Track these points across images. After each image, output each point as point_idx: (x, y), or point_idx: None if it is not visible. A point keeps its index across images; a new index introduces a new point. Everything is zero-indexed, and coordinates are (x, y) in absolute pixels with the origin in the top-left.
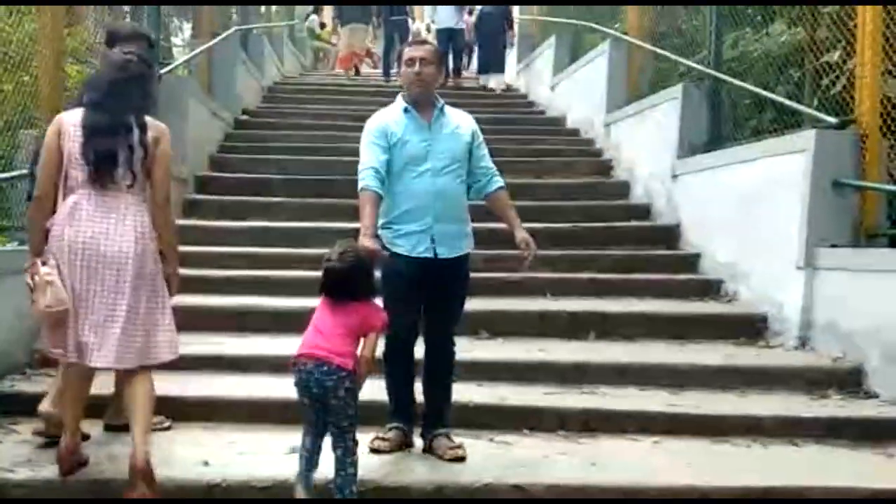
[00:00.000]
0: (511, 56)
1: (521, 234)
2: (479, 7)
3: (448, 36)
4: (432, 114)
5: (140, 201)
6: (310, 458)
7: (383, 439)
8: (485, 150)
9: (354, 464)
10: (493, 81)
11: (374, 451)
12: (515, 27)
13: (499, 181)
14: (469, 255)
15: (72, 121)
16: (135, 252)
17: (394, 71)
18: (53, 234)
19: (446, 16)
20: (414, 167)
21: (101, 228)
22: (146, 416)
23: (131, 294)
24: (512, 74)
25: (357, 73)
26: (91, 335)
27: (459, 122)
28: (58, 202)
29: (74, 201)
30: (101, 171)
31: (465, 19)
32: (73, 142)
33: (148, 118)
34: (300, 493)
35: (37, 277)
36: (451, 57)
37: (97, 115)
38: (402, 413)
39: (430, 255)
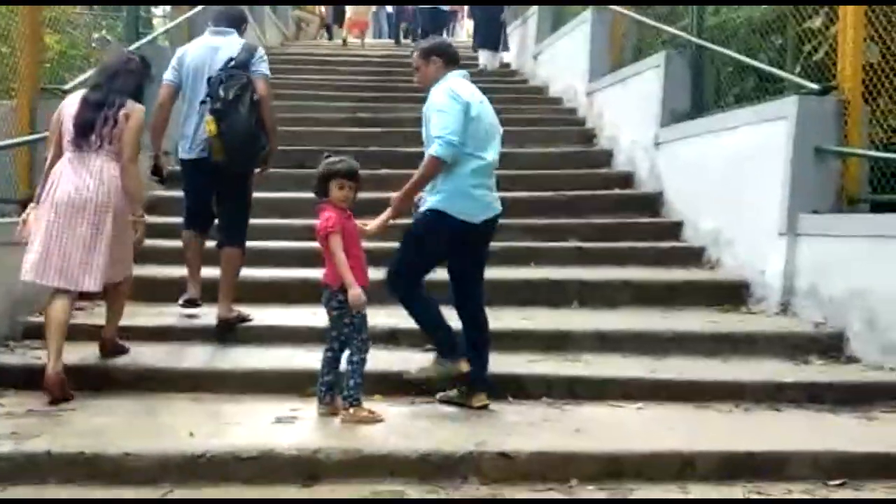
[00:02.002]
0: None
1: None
2: None
3: (431, 18)
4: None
5: (111, 160)
6: (321, 374)
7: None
8: (433, 120)
9: (357, 362)
10: (484, 57)
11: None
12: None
13: (430, 149)
14: (427, 212)
15: (68, 103)
16: (104, 200)
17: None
18: (45, 188)
19: None
20: None
21: (77, 182)
22: (119, 314)
23: (94, 237)
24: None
25: (355, 40)
26: (67, 264)
27: (428, 102)
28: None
29: (61, 164)
30: (79, 136)
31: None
32: (66, 119)
33: (129, 101)
34: (319, 407)
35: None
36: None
37: (93, 93)
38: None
39: None
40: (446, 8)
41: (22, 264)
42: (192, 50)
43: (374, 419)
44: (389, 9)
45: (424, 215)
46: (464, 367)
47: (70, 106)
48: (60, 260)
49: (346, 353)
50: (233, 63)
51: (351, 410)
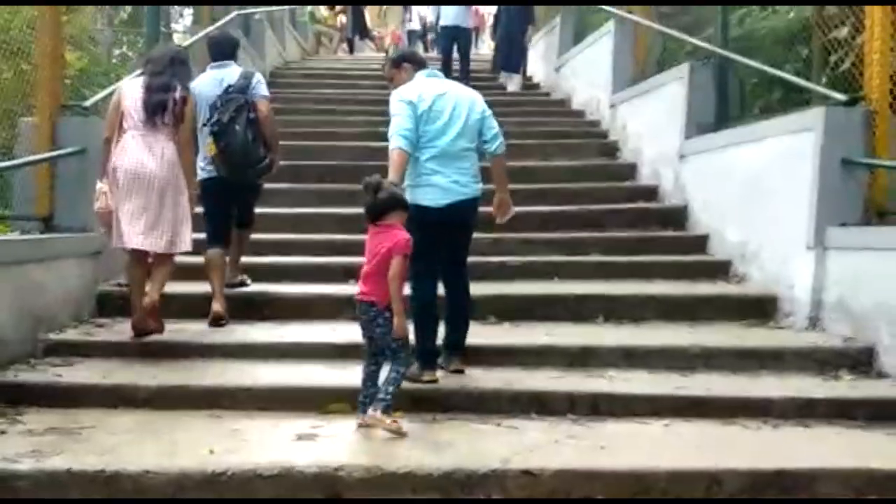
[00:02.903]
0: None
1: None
2: None
3: (453, 35)
4: None
5: (170, 139)
6: (363, 384)
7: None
8: (391, 124)
9: (398, 373)
10: (511, 84)
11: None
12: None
13: (390, 145)
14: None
15: (129, 87)
16: (163, 172)
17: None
18: (111, 162)
19: (453, 12)
20: None
21: (141, 156)
22: (162, 281)
23: (160, 201)
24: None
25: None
26: (141, 228)
27: None
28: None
29: (126, 140)
30: (154, 115)
31: (479, 14)
32: (130, 100)
33: (179, 84)
34: (361, 417)
35: (98, 188)
36: (455, 58)
37: (157, 79)
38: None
39: None
40: (469, 25)
41: (114, 232)
42: (200, 84)
43: (398, 430)
44: (415, 25)
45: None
46: (427, 377)
47: (131, 90)
48: (136, 222)
49: (387, 365)
50: (231, 89)
51: (379, 414)
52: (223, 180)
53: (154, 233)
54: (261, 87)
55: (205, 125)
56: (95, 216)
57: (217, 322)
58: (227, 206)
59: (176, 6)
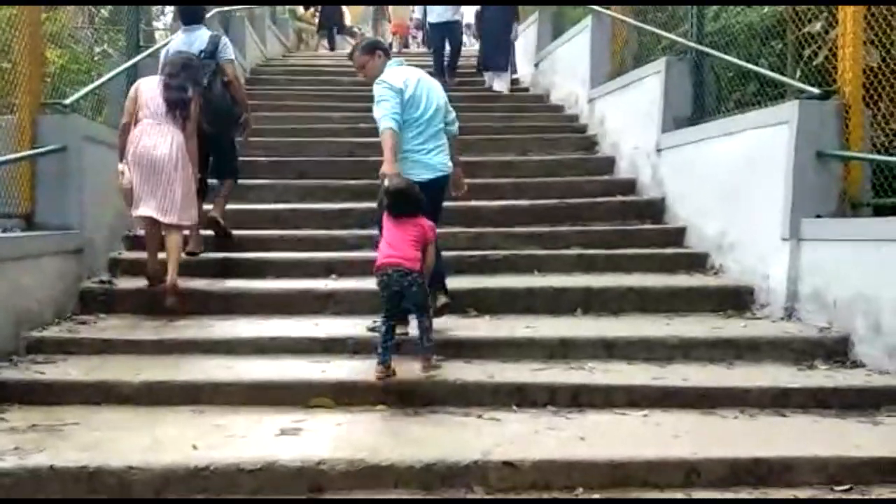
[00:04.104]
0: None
1: (381, 171)
2: None
3: (442, 32)
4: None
5: (178, 130)
6: (385, 340)
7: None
8: (375, 108)
9: (430, 320)
10: (498, 83)
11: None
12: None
13: (379, 127)
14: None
15: (147, 83)
16: (173, 157)
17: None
18: (129, 147)
19: (440, 10)
20: None
21: (156, 142)
22: (177, 257)
23: (169, 180)
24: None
25: (406, 45)
26: (151, 201)
27: None
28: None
29: (141, 128)
30: (172, 109)
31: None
32: (147, 94)
33: (191, 87)
34: (379, 371)
35: (119, 168)
36: (445, 53)
37: (173, 80)
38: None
39: None
40: (458, 18)
41: (133, 204)
42: (171, 45)
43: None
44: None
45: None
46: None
47: (148, 87)
48: (148, 198)
49: (414, 321)
50: (203, 55)
51: (433, 360)
52: (202, 133)
53: (163, 206)
54: (227, 50)
55: None
56: (121, 191)
57: (192, 255)
58: (204, 157)
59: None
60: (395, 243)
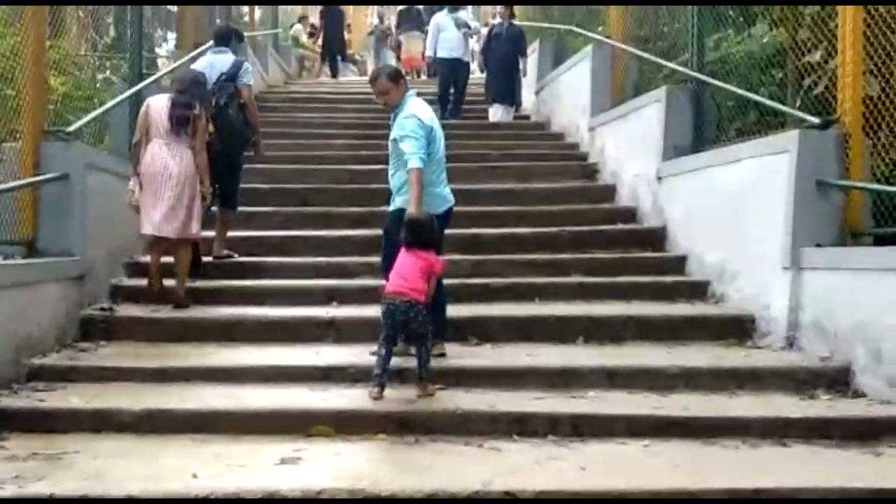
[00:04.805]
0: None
1: (409, 210)
2: (484, 31)
3: (451, 68)
4: (392, 117)
5: (187, 147)
6: (384, 363)
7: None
8: (404, 142)
9: (428, 350)
10: (502, 113)
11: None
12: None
13: (409, 164)
14: (392, 212)
15: (156, 101)
16: (183, 174)
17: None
18: (142, 164)
19: (451, 44)
20: None
21: (166, 160)
22: (185, 270)
23: (180, 197)
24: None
25: (418, 75)
26: (160, 218)
27: (396, 123)
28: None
29: (153, 146)
30: (178, 127)
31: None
32: (157, 113)
33: (198, 103)
34: (374, 391)
35: (130, 186)
36: (452, 93)
37: (181, 97)
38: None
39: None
40: (467, 58)
41: (141, 221)
42: (197, 66)
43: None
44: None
45: (393, 215)
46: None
47: (157, 106)
48: (156, 214)
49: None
50: (224, 77)
51: (429, 387)
52: (215, 150)
53: (172, 222)
54: (247, 75)
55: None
56: (129, 207)
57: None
58: (215, 173)
59: (158, 32)
60: (406, 273)
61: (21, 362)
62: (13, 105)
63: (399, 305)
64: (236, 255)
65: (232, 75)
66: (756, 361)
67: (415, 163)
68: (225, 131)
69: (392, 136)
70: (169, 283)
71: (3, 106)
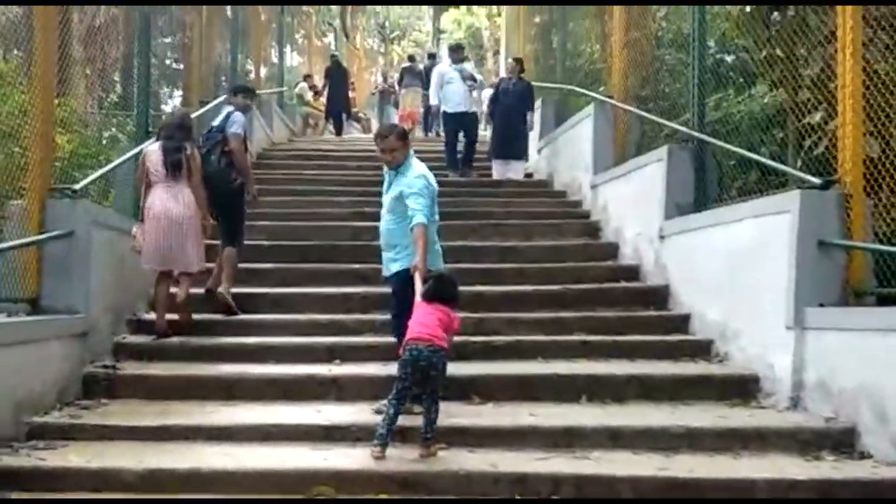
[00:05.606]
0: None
1: (413, 262)
2: (488, 88)
3: (459, 122)
4: (393, 175)
5: (185, 186)
6: (391, 422)
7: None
8: (412, 199)
9: (436, 411)
10: (513, 173)
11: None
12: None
13: (415, 220)
14: (399, 272)
15: (151, 149)
16: (185, 213)
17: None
18: (146, 208)
19: (457, 98)
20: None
21: (167, 203)
22: (185, 294)
23: (183, 235)
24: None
25: (411, 130)
26: (169, 255)
27: (403, 181)
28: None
29: (154, 191)
30: (173, 170)
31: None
32: (151, 161)
33: (188, 144)
34: (376, 451)
35: (133, 231)
36: (461, 147)
37: (170, 142)
38: None
39: (384, 273)
40: (474, 109)
41: (141, 259)
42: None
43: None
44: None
45: (406, 272)
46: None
47: (153, 154)
48: (164, 253)
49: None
50: (214, 128)
51: (433, 447)
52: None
53: (175, 257)
54: (234, 126)
55: None
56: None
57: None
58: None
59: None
60: (427, 322)
61: (21, 420)
62: (20, 162)
63: (423, 350)
64: (238, 313)
65: (221, 126)
66: (760, 422)
67: (421, 219)
68: (209, 178)
69: (394, 192)
70: (171, 317)
71: (10, 163)
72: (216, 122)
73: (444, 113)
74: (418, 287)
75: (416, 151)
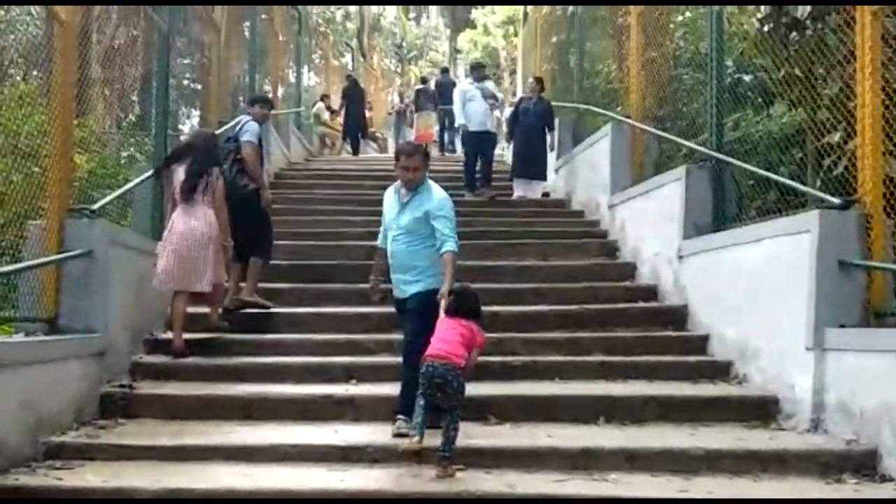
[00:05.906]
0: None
1: (442, 289)
2: (508, 107)
3: (479, 142)
4: (410, 195)
5: (208, 207)
6: (424, 412)
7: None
8: (441, 223)
9: (456, 430)
10: (532, 192)
11: None
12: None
13: (447, 247)
14: (421, 293)
15: (178, 169)
16: (207, 233)
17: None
18: (168, 229)
19: (479, 117)
20: (391, 233)
21: (189, 223)
22: (215, 310)
23: (205, 254)
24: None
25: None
26: (186, 274)
27: (424, 202)
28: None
29: (176, 212)
30: (189, 193)
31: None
32: (177, 180)
33: (216, 168)
34: (415, 440)
35: (157, 248)
36: (478, 166)
37: (192, 166)
38: None
39: (397, 295)
40: (494, 129)
41: (155, 278)
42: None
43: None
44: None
45: (429, 295)
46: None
47: (179, 174)
48: (180, 272)
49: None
50: (230, 139)
51: (450, 468)
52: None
53: (197, 277)
54: (246, 134)
55: None
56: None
57: (227, 312)
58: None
59: (182, 109)
60: (447, 339)
61: (39, 440)
62: (39, 182)
63: (437, 367)
64: (270, 306)
65: (235, 136)
66: (780, 444)
67: (453, 246)
68: (227, 185)
69: (417, 213)
70: (188, 336)
71: (30, 184)
72: (231, 134)
73: (466, 131)
74: (442, 313)
75: (430, 170)
